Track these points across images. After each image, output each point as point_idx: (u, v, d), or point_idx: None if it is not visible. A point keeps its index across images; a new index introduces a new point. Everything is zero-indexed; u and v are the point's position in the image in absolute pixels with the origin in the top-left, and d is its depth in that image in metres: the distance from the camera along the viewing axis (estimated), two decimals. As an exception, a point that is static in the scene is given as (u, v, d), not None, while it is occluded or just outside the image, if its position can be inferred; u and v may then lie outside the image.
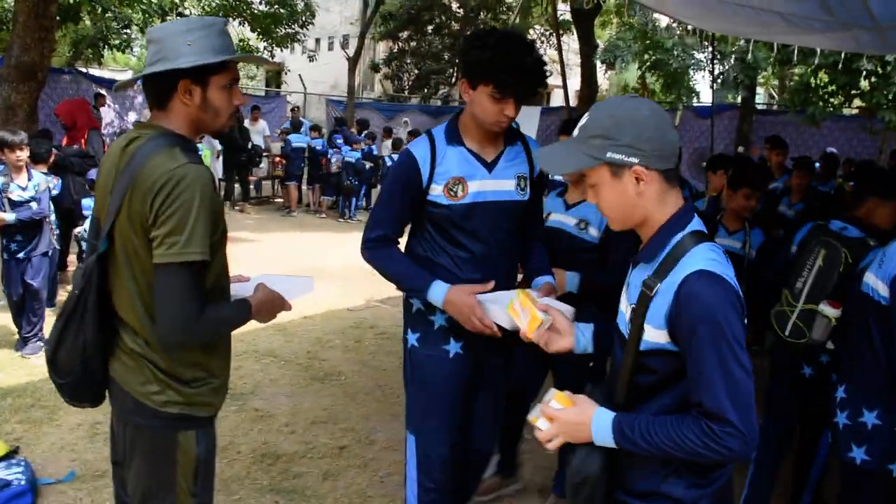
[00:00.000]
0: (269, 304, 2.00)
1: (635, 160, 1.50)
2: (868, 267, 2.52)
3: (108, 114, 13.79)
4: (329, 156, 12.54)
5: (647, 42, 13.40)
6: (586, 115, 1.59)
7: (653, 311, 1.52)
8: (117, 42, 16.56)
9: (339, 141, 13.00)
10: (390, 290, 7.29)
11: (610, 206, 1.59)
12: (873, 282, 2.45)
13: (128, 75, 21.76)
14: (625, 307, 1.68)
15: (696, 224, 1.58)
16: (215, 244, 1.81)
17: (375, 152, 13.12)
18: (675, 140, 1.57)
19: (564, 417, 1.58)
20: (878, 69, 9.68)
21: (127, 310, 1.83)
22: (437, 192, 2.36)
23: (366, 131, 14.10)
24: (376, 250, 2.46)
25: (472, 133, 2.40)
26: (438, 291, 2.32)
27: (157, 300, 1.72)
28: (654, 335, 1.52)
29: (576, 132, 1.59)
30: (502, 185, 2.43)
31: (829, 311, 2.68)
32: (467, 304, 2.26)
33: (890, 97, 9.89)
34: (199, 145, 11.32)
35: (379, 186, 13.32)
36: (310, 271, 8.02)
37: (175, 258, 1.68)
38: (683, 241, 1.54)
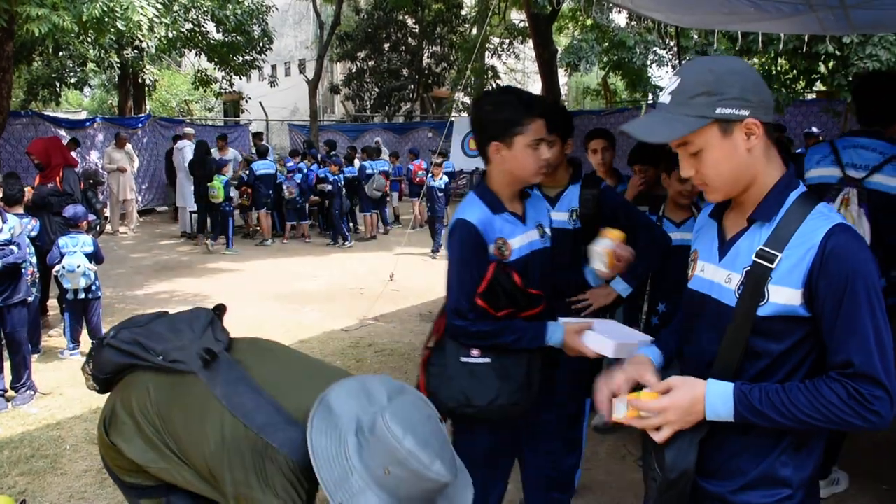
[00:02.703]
0: None
1: (746, 112, 1.41)
2: None
3: (68, 154, 13.49)
4: (282, 181, 12.43)
5: (608, 43, 13.54)
6: (675, 78, 1.48)
7: (784, 270, 1.41)
8: (74, 81, 16.25)
9: (290, 164, 12.87)
10: (382, 308, 7.29)
11: (720, 171, 1.47)
12: None
13: (82, 115, 21.35)
14: (716, 273, 1.56)
15: (803, 187, 1.51)
16: None
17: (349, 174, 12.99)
18: (770, 92, 1.49)
19: (673, 402, 1.46)
20: (837, 52, 9.89)
21: None
22: None
23: (334, 154, 13.97)
24: None
25: None
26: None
27: None
28: (786, 296, 1.41)
29: (666, 98, 1.47)
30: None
31: None
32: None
33: (849, 78, 10.10)
34: (216, 175, 11.11)
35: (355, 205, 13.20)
36: (296, 296, 7.90)
37: None
38: (801, 198, 1.46)
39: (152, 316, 2.15)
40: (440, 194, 11.12)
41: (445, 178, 11.50)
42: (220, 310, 2.18)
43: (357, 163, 13.52)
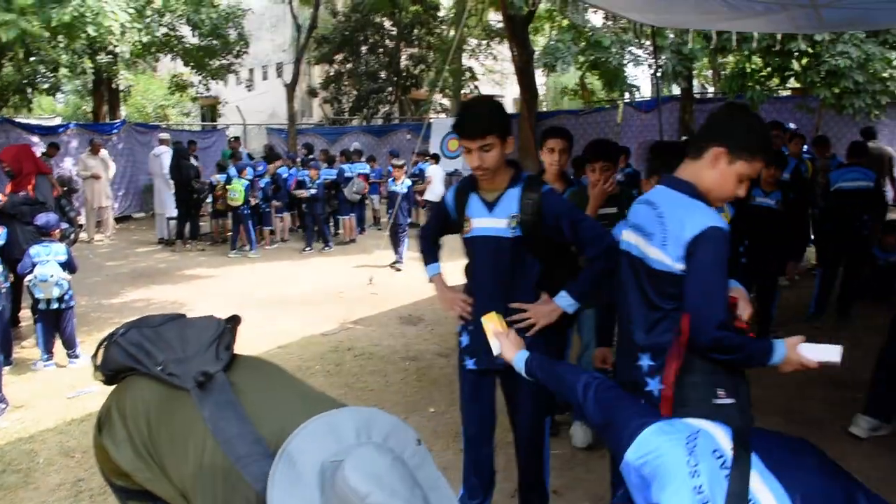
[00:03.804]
0: None
1: None
2: None
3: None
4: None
5: (584, 42, 13.59)
6: None
7: None
8: (46, 86, 16.01)
9: (260, 167, 12.69)
10: (361, 311, 7.26)
11: None
12: None
13: (56, 121, 21.06)
14: None
15: None
16: None
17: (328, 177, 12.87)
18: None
19: None
20: (809, 49, 10.01)
21: None
22: None
23: (312, 157, 13.85)
24: None
25: None
26: None
27: None
28: None
29: None
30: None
31: None
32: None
33: (822, 75, 10.23)
34: (235, 179, 10.93)
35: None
36: (275, 301, 7.83)
37: None
38: None
39: (166, 318, 2.09)
40: (403, 200, 10.28)
41: (408, 182, 10.98)
42: (233, 321, 2.10)
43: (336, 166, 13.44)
